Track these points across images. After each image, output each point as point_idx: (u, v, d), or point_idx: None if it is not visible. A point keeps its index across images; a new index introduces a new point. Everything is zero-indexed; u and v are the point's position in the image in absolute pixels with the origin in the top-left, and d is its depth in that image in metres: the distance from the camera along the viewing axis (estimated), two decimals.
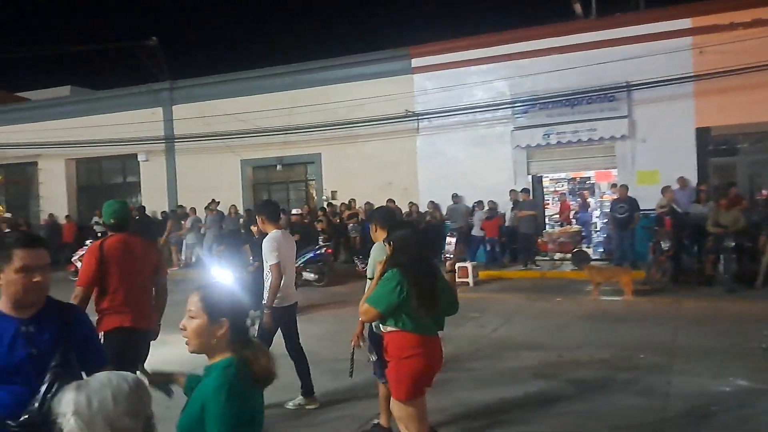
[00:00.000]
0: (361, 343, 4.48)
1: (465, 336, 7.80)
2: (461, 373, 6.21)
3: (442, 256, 5.43)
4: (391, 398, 3.72)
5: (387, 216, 4.66)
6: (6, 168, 21.88)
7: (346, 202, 16.15)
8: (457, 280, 12.05)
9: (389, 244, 3.70)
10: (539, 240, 14.04)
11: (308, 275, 13.10)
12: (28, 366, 2.32)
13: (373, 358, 4.43)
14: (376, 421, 4.73)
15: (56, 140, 19.14)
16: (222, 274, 9.13)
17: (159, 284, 4.43)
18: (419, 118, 15.59)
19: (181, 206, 17.79)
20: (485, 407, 5.26)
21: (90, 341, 2.60)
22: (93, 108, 19.51)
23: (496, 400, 5.42)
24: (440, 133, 15.59)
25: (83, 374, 2.36)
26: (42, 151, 19.79)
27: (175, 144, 18.47)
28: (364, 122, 15.87)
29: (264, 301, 5.14)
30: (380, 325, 3.75)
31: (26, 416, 2.24)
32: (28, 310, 2.40)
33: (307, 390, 5.33)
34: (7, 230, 16.34)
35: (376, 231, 4.50)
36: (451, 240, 5.29)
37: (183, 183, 18.55)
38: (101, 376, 1.69)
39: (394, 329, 3.57)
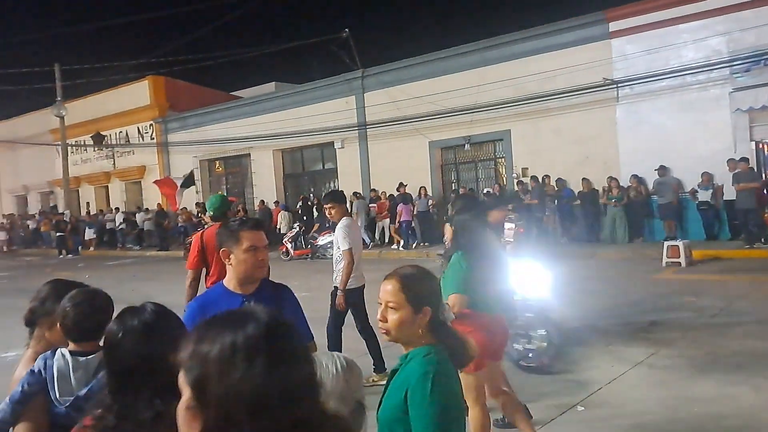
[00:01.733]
0: None
1: (681, 321, 6.99)
2: (676, 360, 5.57)
3: (502, 240, 5.33)
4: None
5: (468, 203, 4.88)
6: (226, 160, 24.58)
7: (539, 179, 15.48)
8: (666, 260, 11.03)
9: (451, 228, 3.90)
10: (766, 215, 12.29)
11: None
12: None
13: None
14: None
15: (265, 133, 21.02)
16: None
17: None
18: (619, 86, 14.38)
19: (373, 190, 18.49)
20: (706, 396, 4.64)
21: (297, 317, 2.80)
22: (294, 101, 21.04)
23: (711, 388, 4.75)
24: (644, 101, 14.24)
25: None
26: (254, 144, 21.86)
27: (367, 130, 19.21)
28: (558, 94, 15.06)
29: (337, 284, 5.44)
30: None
31: None
32: (250, 286, 2.67)
33: (379, 366, 5.42)
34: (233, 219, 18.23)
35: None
36: (511, 226, 5.39)
37: (375, 167, 19.25)
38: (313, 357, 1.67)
39: None
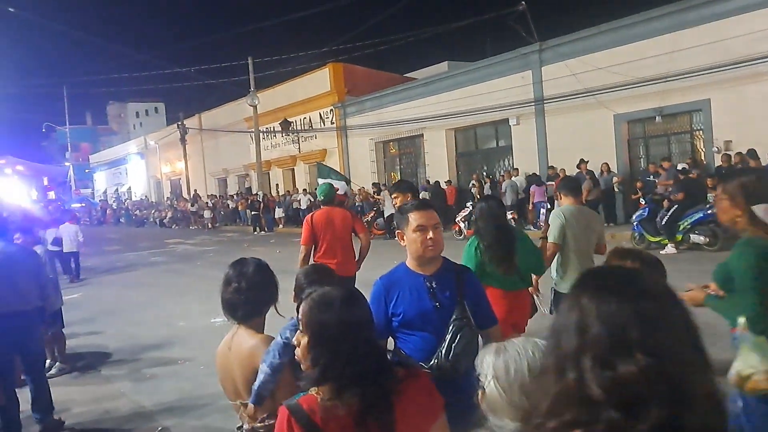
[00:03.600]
0: (536, 296, 4.90)
1: None
2: None
3: (539, 223, 5.08)
4: None
5: (570, 185, 5.05)
6: (399, 141, 25.13)
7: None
8: None
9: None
10: None
11: (697, 238, 11.62)
12: (434, 316, 2.61)
13: (546, 311, 4.84)
14: None
15: (438, 113, 21.08)
16: None
17: (362, 242, 6.04)
18: None
19: (551, 167, 17.73)
20: None
21: (480, 301, 2.80)
22: (468, 80, 20.79)
23: None
24: None
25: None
26: (426, 124, 22.05)
27: (545, 105, 18.41)
28: None
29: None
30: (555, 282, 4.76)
31: (435, 361, 2.56)
32: (430, 267, 2.71)
33: None
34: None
35: (560, 198, 4.98)
36: (542, 211, 5.05)
37: (553, 144, 18.43)
38: (518, 344, 1.59)
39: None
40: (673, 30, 15.07)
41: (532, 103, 18.62)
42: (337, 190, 7.74)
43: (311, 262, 5.73)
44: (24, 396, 5.16)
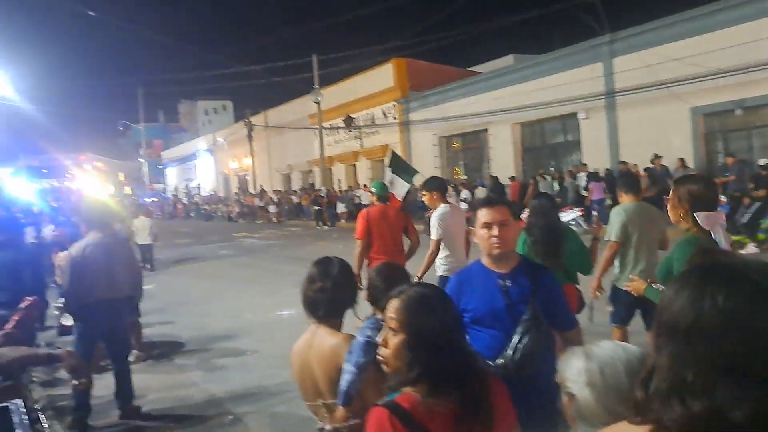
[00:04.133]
0: (598, 294, 4.90)
1: None
2: None
3: (591, 225, 5.43)
4: None
5: (629, 181, 5.13)
6: (463, 136, 24.88)
7: None
8: None
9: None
10: None
11: None
12: (505, 315, 2.59)
13: (610, 308, 4.95)
14: None
15: (503, 107, 20.73)
16: None
17: (411, 242, 6.16)
18: None
19: (623, 162, 17.13)
20: None
21: (556, 302, 2.73)
22: (534, 73, 20.35)
23: None
24: None
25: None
26: (491, 119, 21.73)
27: (616, 98, 17.79)
28: None
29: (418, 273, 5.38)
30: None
31: (501, 360, 2.54)
32: (504, 265, 2.66)
33: None
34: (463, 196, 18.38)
35: (621, 196, 5.07)
36: (594, 213, 5.09)
37: (624, 138, 17.80)
38: (608, 347, 1.51)
39: None
40: (754, 18, 14.27)
41: (603, 97, 18.04)
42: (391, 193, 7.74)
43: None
44: (103, 382, 5.38)
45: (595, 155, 18.43)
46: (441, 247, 5.47)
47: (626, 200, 4.92)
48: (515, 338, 2.53)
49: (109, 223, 6.01)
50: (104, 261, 5.09)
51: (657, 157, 15.73)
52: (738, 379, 0.91)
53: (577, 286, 4.46)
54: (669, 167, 15.62)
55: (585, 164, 18.36)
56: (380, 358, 1.74)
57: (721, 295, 0.95)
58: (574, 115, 19.26)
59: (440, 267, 5.52)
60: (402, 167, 9.87)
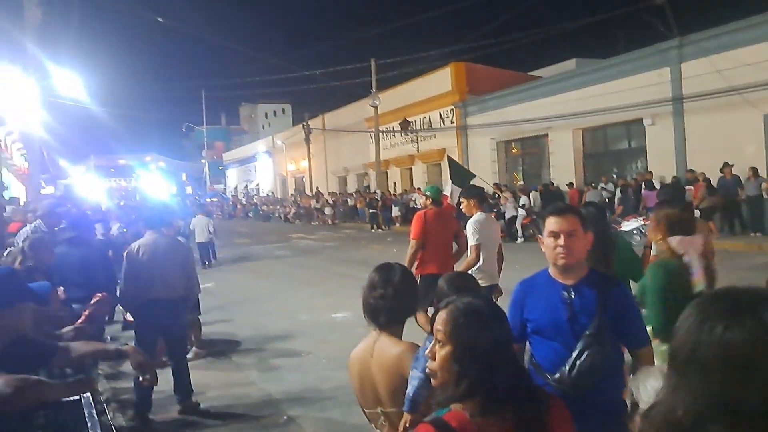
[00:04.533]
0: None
1: None
2: None
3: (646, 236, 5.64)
4: None
5: (670, 192, 5.36)
6: (522, 141, 24.49)
7: None
8: None
9: None
10: None
11: None
12: (567, 328, 2.49)
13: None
14: None
15: (564, 112, 20.29)
16: None
17: (460, 247, 6.11)
18: None
19: (690, 170, 16.48)
20: None
21: (626, 317, 2.57)
22: (597, 78, 19.84)
23: None
24: None
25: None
26: (552, 124, 21.30)
27: (684, 104, 17.13)
28: None
29: None
30: None
31: (558, 375, 2.46)
32: (570, 276, 2.56)
33: None
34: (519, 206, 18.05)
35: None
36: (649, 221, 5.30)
37: (692, 145, 17.11)
38: None
39: None
40: None
41: (670, 102, 17.40)
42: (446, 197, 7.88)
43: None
44: (164, 377, 5.52)
45: (661, 163, 17.79)
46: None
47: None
48: (574, 354, 2.44)
49: (166, 224, 6.19)
50: (159, 261, 5.22)
51: (727, 165, 15.06)
52: (730, 419, 0.85)
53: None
54: (740, 176, 14.93)
55: (650, 172, 17.74)
56: (428, 371, 1.68)
57: (720, 327, 0.90)
58: (639, 120, 18.66)
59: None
60: (460, 173, 9.85)
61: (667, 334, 2.89)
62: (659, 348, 2.90)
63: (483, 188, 7.29)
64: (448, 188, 8.92)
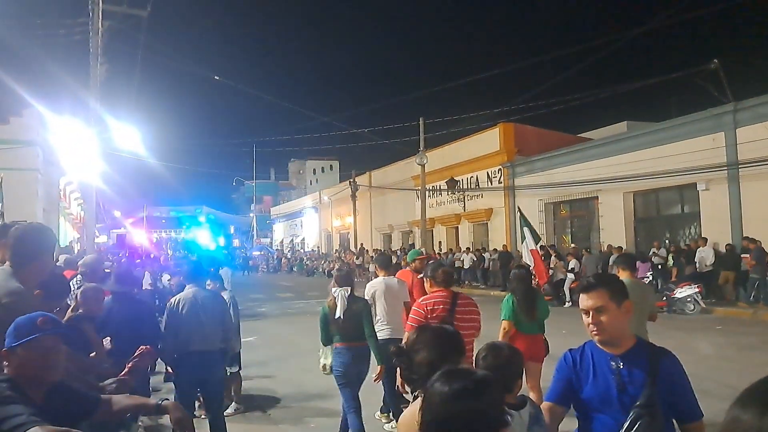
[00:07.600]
0: None
1: None
2: None
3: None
4: None
5: (627, 261, 6.00)
6: (571, 203, 24.15)
7: None
8: None
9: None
10: None
11: None
12: (615, 399, 2.42)
13: None
14: None
15: (615, 175, 20.00)
16: None
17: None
18: None
19: (747, 238, 15.85)
20: None
21: (679, 390, 2.43)
22: (649, 141, 19.57)
23: None
24: None
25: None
26: (602, 186, 20.98)
27: (740, 169, 16.66)
28: None
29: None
30: None
31: None
32: (617, 347, 2.51)
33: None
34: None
35: (618, 272, 5.72)
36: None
37: (749, 213, 16.52)
38: None
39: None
40: None
41: (725, 168, 16.96)
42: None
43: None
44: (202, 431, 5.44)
45: (715, 228, 17.21)
46: (382, 312, 6.44)
47: (623, 276, 5.34)
48: (626, 425, 2.35)
49: (210, 276, 6.24)
50: (197, 314, 5.25)
51: None
52: None
53: (544, 335, 6.02)
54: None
55: (705, 238, 17.17)
56: None
57: None
58: (692, 185, 18.21)
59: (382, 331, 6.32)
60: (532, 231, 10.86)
61: None
62: None
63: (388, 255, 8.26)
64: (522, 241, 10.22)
